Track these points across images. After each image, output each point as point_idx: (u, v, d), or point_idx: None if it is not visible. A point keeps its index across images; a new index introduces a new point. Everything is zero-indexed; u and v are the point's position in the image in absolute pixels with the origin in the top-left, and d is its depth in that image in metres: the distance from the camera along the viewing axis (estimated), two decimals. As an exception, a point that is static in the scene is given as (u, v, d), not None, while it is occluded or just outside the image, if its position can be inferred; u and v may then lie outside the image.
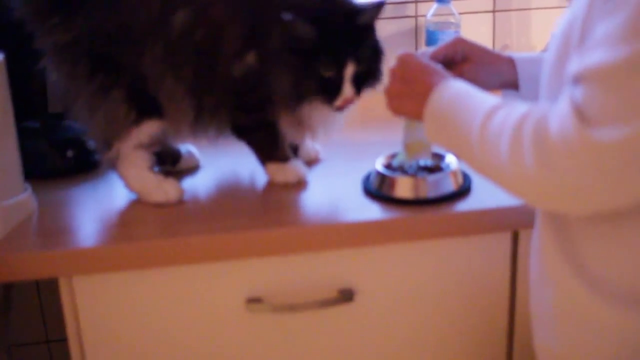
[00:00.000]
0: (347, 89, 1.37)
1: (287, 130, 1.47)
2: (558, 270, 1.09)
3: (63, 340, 1.41)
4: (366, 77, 1.40)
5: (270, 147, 1.47)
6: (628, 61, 0.89)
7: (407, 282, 1.41)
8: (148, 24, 1.39)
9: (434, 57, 1.36)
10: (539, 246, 1.15)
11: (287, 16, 1.33)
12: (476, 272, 1.41)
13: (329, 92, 1.39)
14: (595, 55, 0.92)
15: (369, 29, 1.41)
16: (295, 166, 1.48)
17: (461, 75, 1.35)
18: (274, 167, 1.48)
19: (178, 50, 1.39)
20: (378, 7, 1.39)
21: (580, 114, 0.92)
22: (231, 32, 1.39)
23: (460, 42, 1.38)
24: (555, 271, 1.10)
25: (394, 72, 1.28)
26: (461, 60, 1.37)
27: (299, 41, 1.35)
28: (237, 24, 1.39)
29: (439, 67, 1.25)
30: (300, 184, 1.47)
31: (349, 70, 1.36)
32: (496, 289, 1.43)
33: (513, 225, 1.38)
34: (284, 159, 1.47)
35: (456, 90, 1.15)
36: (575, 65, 0.95)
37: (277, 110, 1.44)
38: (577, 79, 0.94)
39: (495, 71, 1.37)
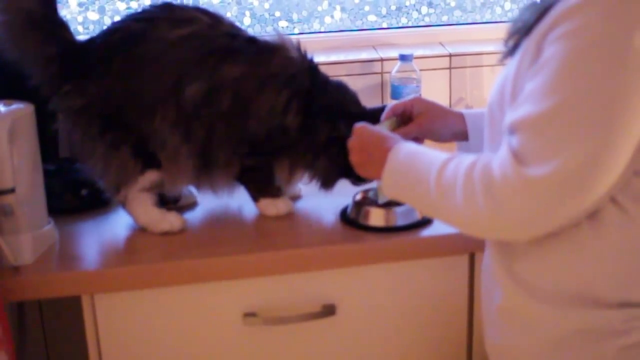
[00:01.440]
0: None
1: (280, 174, 1.66)
2: (502, 280, 1.28)
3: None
4: None
5: (267, 185, 1.66)
6: (548, 112, 1.10)
7: (380, 298, 1.60)
8: (160, 94, 1.55)
9: (394, 109, 1.58)
10: (488, 263, 1.35)
11: (342, 128, 1.59)
12: (439, 288, 1.61)
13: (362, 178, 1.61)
14: (524, 108, 1.12)
15: None
16: (285, 201, 1.68)
17: (419, 127, 1.57)
18: (266, 202, 1.66)
19: (191, 117, 1.55)
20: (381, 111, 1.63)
21: (517, 157, 1.12)
22: (264, 99, 1.58)
23: (417, 100, 1.59)
24: (500, 281, 1.29)
25: (352, 145, 1.45)
26: (417, 115, 1.58)
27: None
28: (270, 94, 1.59)
29: (390, 134, 1.42)
30: (289, 215, 1.67)
31: None
32: (456, 302, 1.63)
33: (469, 248, 1.57)
34: (275, 195, 1.67)
35: (409, 150, 1.33)
36: (509, 117, 1.15)
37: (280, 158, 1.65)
38: (512, 129, 1.14)
39: (447, 124, 1.58)
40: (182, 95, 1.55)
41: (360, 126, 1.45)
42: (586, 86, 1.08)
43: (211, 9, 1.63)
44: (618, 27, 1.07)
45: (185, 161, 1.59)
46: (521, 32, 1.21)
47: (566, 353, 1.21)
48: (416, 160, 1.29)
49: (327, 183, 1.68)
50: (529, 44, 1.17)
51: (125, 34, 1.58)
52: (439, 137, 1.60)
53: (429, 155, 1.28)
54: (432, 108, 1.59)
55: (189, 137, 1.57)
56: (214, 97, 1.56)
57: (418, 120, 1.58)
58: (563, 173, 1.08)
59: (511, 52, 1.24)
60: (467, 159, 1.20)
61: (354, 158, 1.45)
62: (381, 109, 1.63)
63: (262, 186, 1.67)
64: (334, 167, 1.65)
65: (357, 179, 1.67)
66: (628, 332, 1.17)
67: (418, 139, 1.58)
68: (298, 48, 1.65)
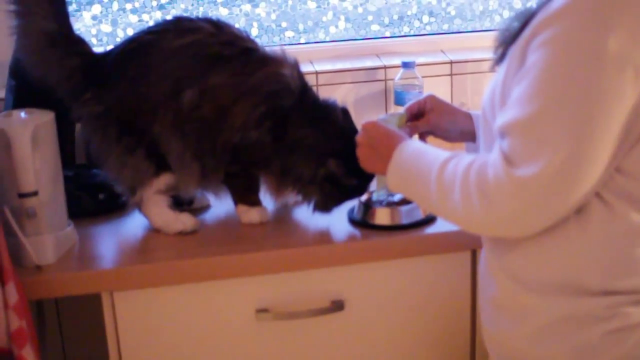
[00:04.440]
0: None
1: (267, 187, 1.72)
2: (495, 273, 1.35)
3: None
4: None
5: (246, 193, 1.71)
6: (532, 116, 1.18)
7: (387, 294, 1.67)
8: (161, 98, 1.61)
9: (410, 109, 1.65)
10: (484, 257, 1.42)
11: (333, 167, 1.62)
12: (443, 284, 1.68)
13: (360, 194, 1.70)
14: (511, 112, 1.20)
15: None
16: (260, 210, 1.71)
17: (428, 123, 1.64)
18: (241, 208, 1.71)
19: (186, 122, 1.62)
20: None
21: (507, 159, 1.19)
22: (239, 110, 1.62)
23: (430, 97, 1.67)
24: (493, 274, 1.36)
25: (361, 140, 1.52)
26: (428, 112, 1.66)
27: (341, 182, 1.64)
28: (244, 107, 1.62)
29: (397, 131, 1.49)
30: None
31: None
32: (460, 297, 1.69)
33: (471, 245, 1.63)
34: (253, 204, 1.71)
35: (414, 148, 1.41)
36: (499, 121, 1.23)
37: (261, 171, 1.69)
38: (502, 133, 1.22)
39: (455, 121, 1.65)
40: (180, 101, 1.61)
41: (369, 123, 1.51)
42: (566, 90, 1.16)
43: (220, 20, 1.68)
44: (593, 33, 1.15)
45: (190, 165, 1.66)
46: (508, 40, 1.28)
47: (554, 338, 1.28)
48: (419, 159, 1.37)
49: (324, 210, 1.70)
50: (514, 51, 1.25)
51: (137, 45, 1.66)
52: (447, 135, 1.67)
53: (432, 154, 1.36)
54: (442, 106, 1.67)
55: (188, 142, 1.64)
56: (201, 103, 1.62)
57: (427, 117, 1.65)
58: (549, 172, 1.16)
59: (500, 59, 1.32)
60: (465, 160, 1.28)
61: (361, 152, 1.52)
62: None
63: (240, 193, 1.71)
64: (328, 199, 1.68)
65: (356, 195, 1.70)
66: (611, 318, 1.24)
67: (426, 135, 1.67)
68: (294, 66, 1.67)
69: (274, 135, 1.64)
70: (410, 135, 1.61)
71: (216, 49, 1.63)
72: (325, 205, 1.69)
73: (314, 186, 1.66)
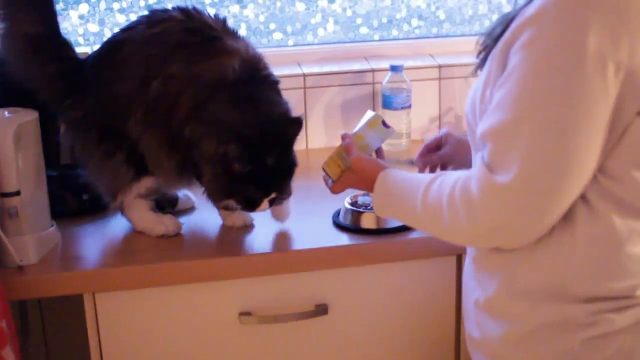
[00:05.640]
0: (264, 205, 1.58)
1: None
2: (479, 277, 1.35)
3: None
4: (281, 193, 1.61)
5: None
6: (512, 121, 1.17)
7: (372, 298, 1.66)
8: (133, 91, 1.60)
9: (429, 146, 1.64)
10: (468, 261, 1.42)
11: (231, 149, 1.51)
12: (428, 289, 1.67)
13: (249, 205, 1.58)
14: (493, 118, 1.20)
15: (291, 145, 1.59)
16: (243, 213, 1.67)
17: (441, 156, 1.64)
18: (226, 211, 1.68)
19: (154, 113, 1.60)
20: (299, 123, 1.57)
21: (488, 167, 1.19)
22: (182, 103, 1.58)
23: (445, 134, 1.65)
24: (477, 278, 1.36)
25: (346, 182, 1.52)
26: (444, 145, 1.64)
27: (232, 168, 1.53)
28: (186, 98, 1.58)
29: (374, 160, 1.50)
30: (246, 228, 1.68)
31: (271, 195, 1.58)
32: (444, 302, 1.68)
33: (457, 250, 1.62)
34: (231, 207, 1.65)
35: (394, 176, 1.41)
36: (481, 128, 1.23)
37: None
38: (483, 140, 1.22)
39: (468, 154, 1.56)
40: (149, 91, 1.59)
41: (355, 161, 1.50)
42: (546, 94, 1.15)
43: (195, 7, 1.65)
44: (572, 33, 1.14)
45: (167, 158, 1.63)
46: (490, 45, 1.28)
47: (537, 344, 1.27)
48: (402, 186, 1.38)
49: (212, 199, 1.64)
50: (495, 54, 1.24)
51: (110, 45, 1.66)
52: (462, 163, 1.59)
53: (413, 179, 1.37)
54: (459, 140, 1.63)
55: (161, 134, 1.61)
56: (164, 93, 1.59)
57: (443, 151, 1.64)
58: (525, 179, 1.15)
59: (481, 64, 1.31)
60: (449, 179, 1.27)
61: (346, 178, 1.53)
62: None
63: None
64: (216, 185, 1.60)
65: (244, 207, 1.61)
66: (592, 325, 1.23)
67: (436, 169, 1.66)
68: (249, 60, 1.62)
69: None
70: (423, 168, 1.64)
71: (180, 36, 1.61)
72: (211, 192, 1.61)
73: (209, 166, 1.57)
